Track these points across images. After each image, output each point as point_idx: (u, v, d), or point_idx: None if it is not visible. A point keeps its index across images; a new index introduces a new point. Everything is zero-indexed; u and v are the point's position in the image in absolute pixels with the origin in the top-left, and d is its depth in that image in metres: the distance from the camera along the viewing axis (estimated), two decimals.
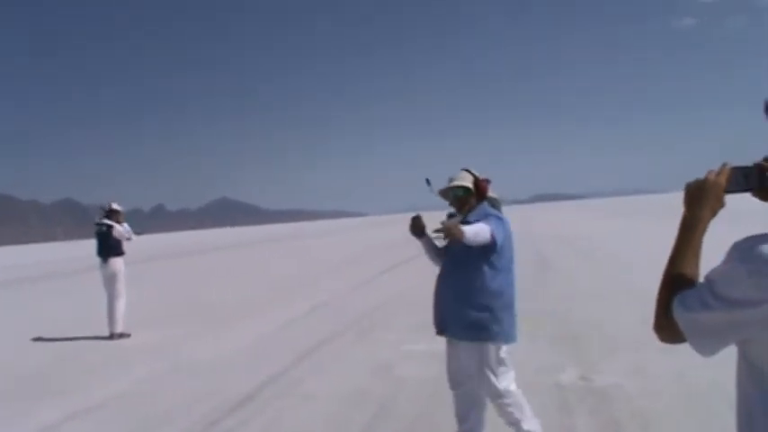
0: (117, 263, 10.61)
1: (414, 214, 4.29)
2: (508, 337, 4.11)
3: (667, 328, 1.41)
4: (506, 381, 4.09)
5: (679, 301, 1.38)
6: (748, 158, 1.53)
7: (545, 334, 8.18)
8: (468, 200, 4.20)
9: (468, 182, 4.18)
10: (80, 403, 6.61)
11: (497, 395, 4.05)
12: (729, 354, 1.41)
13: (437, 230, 3.41)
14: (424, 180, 4.27)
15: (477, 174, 4.25)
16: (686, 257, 1.48)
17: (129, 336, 10.41)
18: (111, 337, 10.34)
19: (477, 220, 3.99)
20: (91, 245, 11.35)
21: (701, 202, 1.50)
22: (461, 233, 3.67)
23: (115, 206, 10.80)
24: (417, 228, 4.20)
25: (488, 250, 3.94)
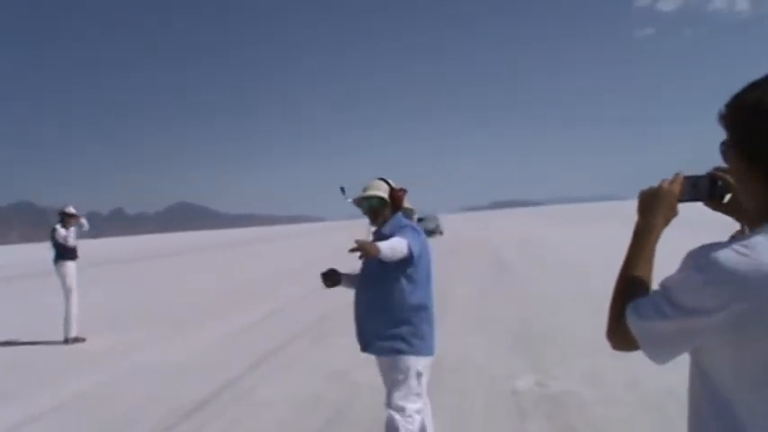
0: (66, 266, 10.35)
1: (325, 270, 4.18)
2: (428, 350, 3.97)
3: (620, 335, 1.40)
4: (408, 399, 3.88)
5: (632, 308, 1.36)
6: (705, 167, 1.54)
7: (501, 340, 8.23)
8: (383, 211, 4.05)
9: (383, 192, 4.03)
10: (33, 408, 6.46)
11: (393, 407, 3.85)
12: (683, 360, 1.40)
13: (351, 249, 3.26)
14: (340, 188, 4.13)
15: (392, 183, 4.10)
16: (639, 265, 1.47)
17: (84, 340, 10.16)
18: (66, 341, 10.08)
19: (393, 233, 3.91)
20: (46, 248, 11.12)
21: (654, 210, 1.50)
22: (377, 250, 3.51)
23: (70, 210, 10.51)
24: (331, 282, 4.19)
25: (405, 264, 3.82)
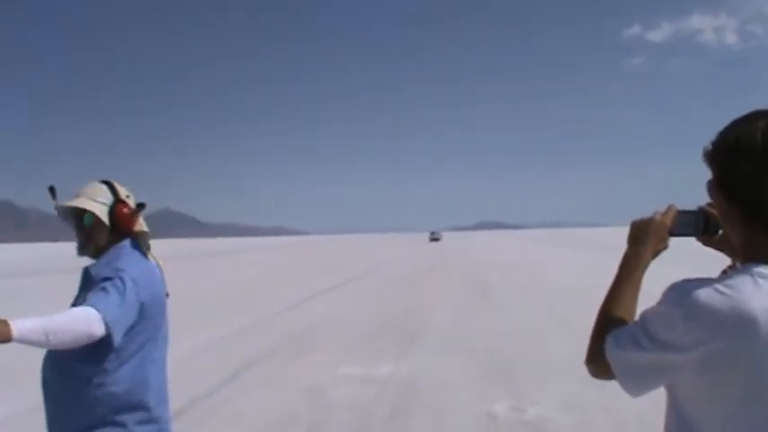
0: None
1: None
2: None
3: (599, 362, 1.38)
4: None
5: (612, 337, 1.35)
6: (687, 200, 1.59)
7: (477, 363, 8.20)
8: (97, 233, 2.57)
9: (97, 203, 2.56)
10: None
11: None
12: (658, 389, 1.38)
13: None
14: (49, 189, 2.63)
15: (121, 191, 2.63)
16: (624, 294, 1.46)
17: None
18: None
19: (100, 275, 2.47)
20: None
21: (644, 241, 1.48)
22: (7, 332, 2.00)
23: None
24: None
25: (99, 347, 2.32)
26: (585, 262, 29.94)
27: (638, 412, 5.62)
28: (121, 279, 2.39)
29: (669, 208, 1.51)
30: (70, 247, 2.68)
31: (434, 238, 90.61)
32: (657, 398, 1.40)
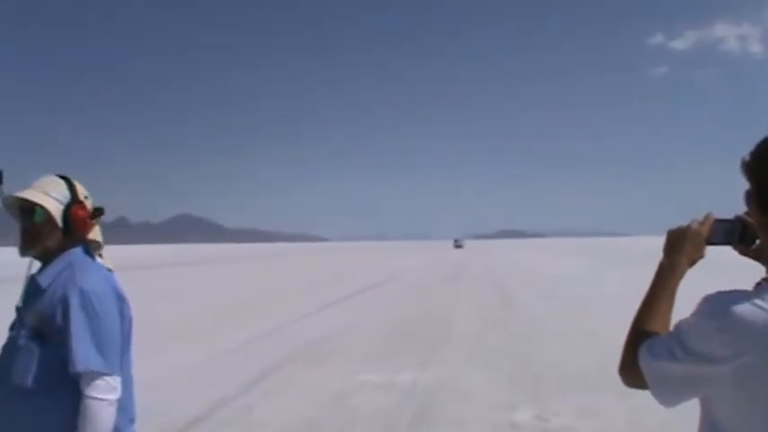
0: None
1: None
2: None
3: (633, 372, 1.37)
4: None
5: (647, 347, 1.34)
6: (698, 209, 1.54)
7: (501, 372, 8.16)
8: (47, 234, 2.20)
9: (52, 198, 2.19)
10: None
11: None
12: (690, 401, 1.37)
13: None
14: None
15: (80, 190, 2.28)
16: (660, 303, 1.44)
17: None
18: None
19: (56, 292, 2.12)
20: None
21: (680, 250, 1.47)
22: None
23: None
24: None
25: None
26: (612, 272, 29.68)
27: (661, 422, 5.55)
28: (89, 303, 2.08)
29: (706, 216, 1.49)
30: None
31: (458, 246, 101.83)
32: (681, 408, 1.38)
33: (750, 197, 1.35)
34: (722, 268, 10.19)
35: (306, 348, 10.04)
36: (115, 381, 2.07)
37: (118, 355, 2.13)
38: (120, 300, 2.24)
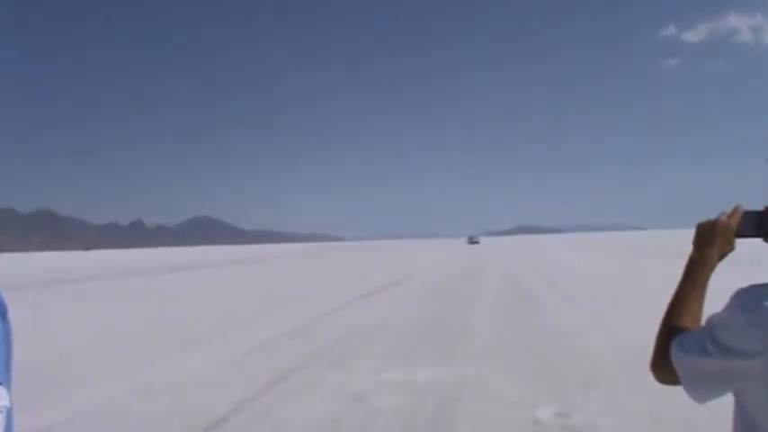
0: None
1: None
2: None
3: (664, 368, 1.36)
4: None
5: (678, 342, 1.33)
6: (721, 203, 1.50)
7: (522, 368, 8.14)
8: None
9: None
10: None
11: None
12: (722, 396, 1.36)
13: None
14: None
15: None
16: (690, 297, 1.43)
17: None
18: None
19: None
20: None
21: (710, 244, 1.46)
22: None
23: None
24: None
25: None
26: (631, 267, 29.44)
27: (684, 419, 5.52)
28: None
29: (735, 208, 1.48)
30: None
31: (473, 242, 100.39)
32: (709, 407, 1.37)
33: None
34: (751, 262, 10.09)
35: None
36: (1, 390, 1.80)
37: (5, 368, 1.86)
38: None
